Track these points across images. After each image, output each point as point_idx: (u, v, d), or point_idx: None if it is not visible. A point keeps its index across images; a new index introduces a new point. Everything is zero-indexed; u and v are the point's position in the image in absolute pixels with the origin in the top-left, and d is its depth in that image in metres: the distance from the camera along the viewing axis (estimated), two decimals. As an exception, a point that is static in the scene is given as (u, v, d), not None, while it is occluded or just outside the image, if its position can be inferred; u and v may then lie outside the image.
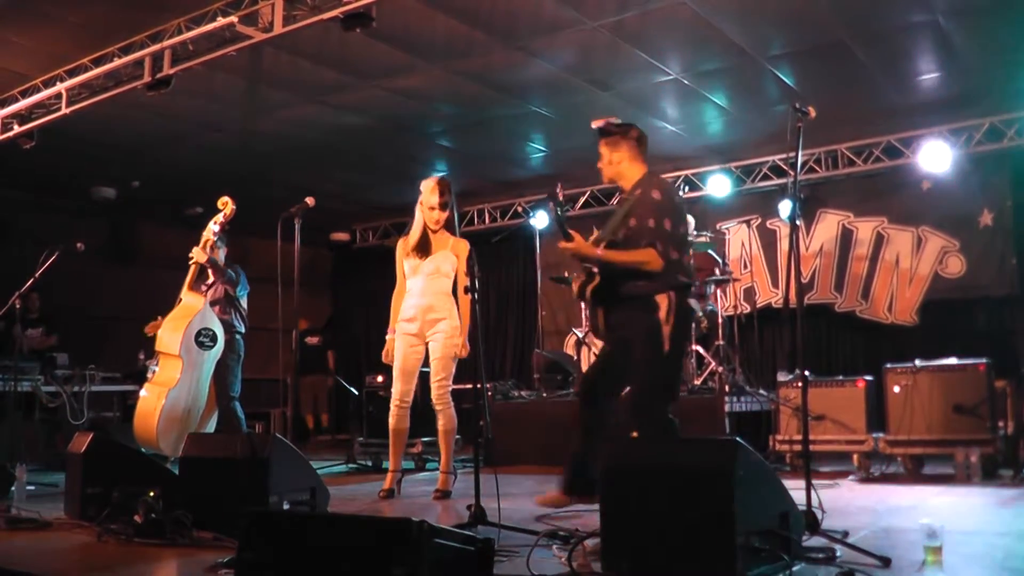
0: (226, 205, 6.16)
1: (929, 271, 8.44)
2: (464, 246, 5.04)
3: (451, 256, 5.06)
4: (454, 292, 5.11)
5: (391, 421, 5.12)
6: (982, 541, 3.37)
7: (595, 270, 4.02)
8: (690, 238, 7.14)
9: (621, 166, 4.19)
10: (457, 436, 7.33)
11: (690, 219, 7.78)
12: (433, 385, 5.06)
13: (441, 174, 5.16)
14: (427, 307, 5.03)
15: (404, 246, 5.18)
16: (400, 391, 5.08)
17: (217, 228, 6.16)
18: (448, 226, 5.12)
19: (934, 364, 5.59)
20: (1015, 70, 6.81)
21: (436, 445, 5.38)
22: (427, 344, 5.08)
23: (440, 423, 5.11)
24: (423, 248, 5.07)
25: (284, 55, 6.17)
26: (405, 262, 5.15)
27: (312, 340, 11.02)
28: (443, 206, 5.03)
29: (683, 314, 3.92)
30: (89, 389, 7.91)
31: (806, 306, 8.17)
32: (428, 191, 5.07)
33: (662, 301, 3.86)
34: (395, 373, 5.12)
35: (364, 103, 7.23)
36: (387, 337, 5.21)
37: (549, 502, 4.09)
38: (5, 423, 6.99)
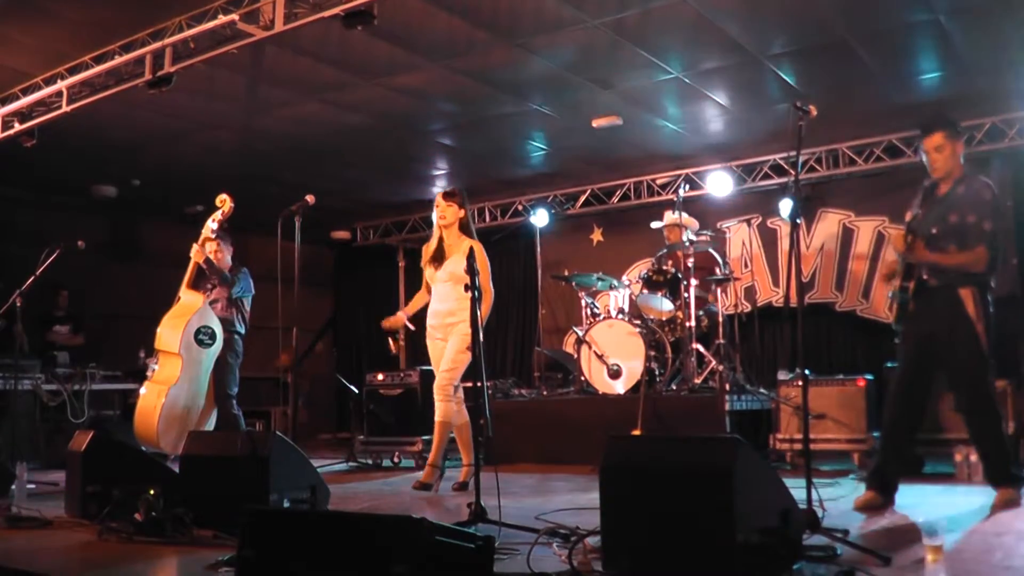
0: (224, 203, 6.17)
1: (930, 271, 8.42)
2: (476, 248, 5.12)
3: (464, 261, 5.12)
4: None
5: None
6: (982, 540, 3.37)
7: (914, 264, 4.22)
8: (692, 238, 7.16)
9: (956, 160, 4.33)
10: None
11: (694, 220, 7.81)
12: (437, 374, 5.25)
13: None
14: (445, 312, 5.27)
15: (424, 255, 5.49)
16: None
17: (215, 226, 6.17)
18: (464, 229, 5.37)
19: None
20: (1016, 70, 6.80)
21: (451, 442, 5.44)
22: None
23: (436, 415, 5.18)
24: (438, 257, 5.36)
25: (285, 53, 6.16)
26: (425, 271, 5.46)
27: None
28: (446, 196, 5.36)
29: (989, 310, 4.21)
30: (90, 387, 7.93)
31: (807, 305, 8.17)
32: (437, 198, 5.43)
33: (966, 296, 4.13)
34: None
35: (365, 101, 7.22)
36: (399, 312, 5.62)
37: (863, 504, 4.21)
38: (6, 421, 7.00)
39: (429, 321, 5.39)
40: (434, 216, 5.40)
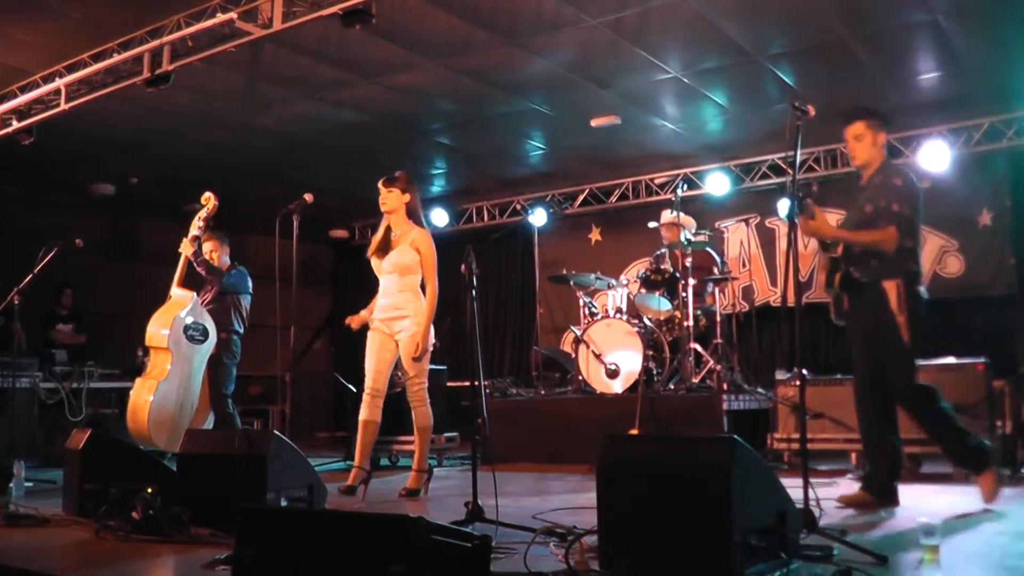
0: (208, 200, 6.19)
1: (928, 271, 8.43)
2: (423, 238, 5.03)
3: (410, 250, 5.01)
4: (422, 287, 5.06)
5: (362, 412, 5.02)
6: (979, 540, 3.37)
7: (837, 253, 4.22)
8: (690, 237, 7.16)
9: (876, 150, 4.33)
10: (454, 433, 7.34)
11: (691, 219, 7.82)
12: (407, 384, 5.04)
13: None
14: (389, 305, 5.01)
15: (371, 245, 5.20)
16: (371, 384, 5.03)
17: (200, 223, 6.19)
18: (412, 215, 5.13)
19: (932, 363, 5.59)
20: (1015, 70, 6.81)
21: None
22: (396, 342, 5.03)
23: (415, 420, 5.05)
24: (383, 246, 5.10)
25: (284, 52, 6.17)
26: (371, 261, 5.16)
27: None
28: (386, 181, 5.16)
29: (914, 301, 4.11)
30: (87, 385, 7.93)
31: (804, 305, 8.16)
32: (379, 185, 5.19)
33: (890, 289, 4.07)
34: (367, 366, 5.08)
35: (364, 100, 7.23)
36: (362, 311, 5.18)
37: (849, 500, 4.18)
38: (4, 419, 7.00)
39: (376, 314, 5.07)
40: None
